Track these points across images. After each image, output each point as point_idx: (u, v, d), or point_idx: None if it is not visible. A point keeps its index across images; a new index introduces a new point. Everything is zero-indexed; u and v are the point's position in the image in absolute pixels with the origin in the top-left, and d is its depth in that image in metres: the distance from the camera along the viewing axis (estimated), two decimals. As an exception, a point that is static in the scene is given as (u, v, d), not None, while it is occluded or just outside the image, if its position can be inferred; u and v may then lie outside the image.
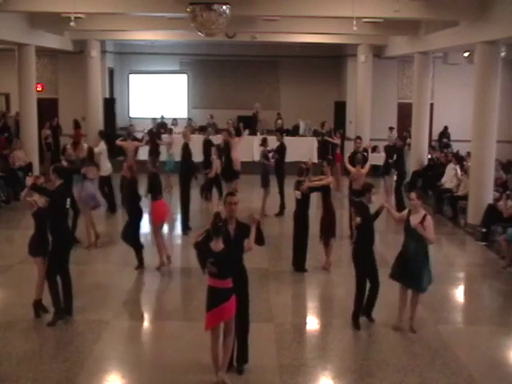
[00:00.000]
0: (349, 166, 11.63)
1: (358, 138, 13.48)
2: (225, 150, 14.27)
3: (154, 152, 15.84)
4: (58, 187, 7.72)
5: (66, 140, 18.04)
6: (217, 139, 15.11)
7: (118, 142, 15.11)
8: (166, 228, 11.46)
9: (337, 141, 17.27)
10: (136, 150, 14.66)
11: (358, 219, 7.52)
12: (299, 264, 9.93)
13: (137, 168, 13.90)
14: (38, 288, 7.75)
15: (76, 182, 11.08)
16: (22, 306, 7.94)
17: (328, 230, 9.99)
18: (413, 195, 7.49)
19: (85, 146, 12.68)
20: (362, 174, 11.31)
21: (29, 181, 7.75)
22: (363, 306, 7.79)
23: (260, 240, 6.33)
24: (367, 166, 11.50)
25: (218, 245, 5.91)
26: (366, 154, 12.35)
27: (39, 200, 7.57)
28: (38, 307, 7.77)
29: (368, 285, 7.72)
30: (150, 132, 17.21)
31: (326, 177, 10.05)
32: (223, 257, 5.89)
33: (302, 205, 9.84)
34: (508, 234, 10.34)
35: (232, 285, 5.95)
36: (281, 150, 14.24)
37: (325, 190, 9.97)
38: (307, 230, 9.93)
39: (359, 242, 7.65)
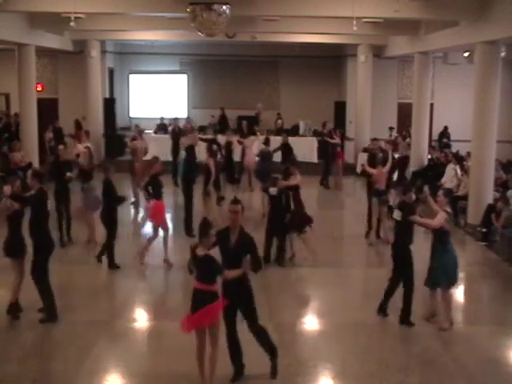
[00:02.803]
0: (369, 169, 11.61)
1: (375, 139, 13.36)
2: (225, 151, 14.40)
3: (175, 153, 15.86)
4: (36, 191, 7.75)
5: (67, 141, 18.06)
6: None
7: (129, 143, 15.09)
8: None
9: (336, 140, 17.31)
10: (145, 149, 14.63)
11: (397, 213, 7.75)
12: (279, 259, 10.05)
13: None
14: (15, 290, 7.70)
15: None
16: (22, 305, 7.93)
17: (300, 224, 10.05)
18: (440, 193, 8.05)
19: (80, 146, 12.69)
20: (384, 174, 11.38)
21: (7, 190, 7.82)
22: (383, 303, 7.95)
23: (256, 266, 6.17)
24: (388, 166, 11.56)
25: (199, 250, 5.83)
26: (386, 153, 12.34)
27: (15, 204, 7.61)
28: (15, 310, 7.69)
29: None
30: (173, 132, 17.14)
31: (294, 177, 10.23)
32: (201, 262, 5.79)
33: (278, 202, 10.01)
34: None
35: (216, 289, 5.83)
36: (285, 150, 14.13)
37: (295, 189, 10.18)
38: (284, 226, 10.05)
39: (398, 241, 7.79)
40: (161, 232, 10.13)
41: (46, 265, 7.64)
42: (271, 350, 6.34)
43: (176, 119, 18.36)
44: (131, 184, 14.53)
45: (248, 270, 5.99)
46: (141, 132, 15.57)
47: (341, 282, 9.60)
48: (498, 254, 11.06)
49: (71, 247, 10.86)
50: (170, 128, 18.68)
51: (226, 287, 5.99)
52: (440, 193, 8.02)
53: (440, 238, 7.69)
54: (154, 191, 9.93)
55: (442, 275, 7.66)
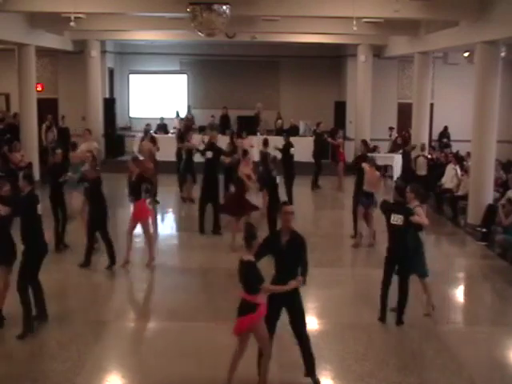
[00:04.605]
0: (365, 165, 11.39)
1: (362, 141, 13.32)
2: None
3: (178, 156, 15.61)
4: (26, 194, 7.52)
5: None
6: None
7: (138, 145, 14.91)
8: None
9: (339, 141, 17.30)
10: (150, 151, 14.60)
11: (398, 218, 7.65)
12: None
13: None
14: (0, 297, 7.45)
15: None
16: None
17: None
18: (408, 189, 8.02)
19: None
20: (377, 176, 11.21)
21: None
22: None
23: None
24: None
25: (245, 255, 5.72)
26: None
27: (2, 208, 7.27)
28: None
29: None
30: (179, 133, 16.74)
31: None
32: (242, 268, 5.67)
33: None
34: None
35: (256, 301, 5.68)
36: (286, 148, 14.33)
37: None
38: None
39: (403, 243, 7.68)
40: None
41: (34, 271, 7.41)
42: (311, 360, 6.19)
43: (182, 119, 18.30)
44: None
45: (299, 285, 5.85)
46: (146, 132, 15.50)
47: (341, 281, 9.59)
48: (498, 254, 11.05)
49: (71, 247, 10.84)
50: (175, 126, 18.51)
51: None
52: (408, 189, 8.00)
53: (416, 231, 7.87)
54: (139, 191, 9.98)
55: (420, 265, 7.95)
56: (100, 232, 9.82)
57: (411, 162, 14.72)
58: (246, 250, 5.73)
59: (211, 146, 12.39)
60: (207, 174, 12.03)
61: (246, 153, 12.02)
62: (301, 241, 6.00)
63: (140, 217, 9.93)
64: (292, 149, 14.58)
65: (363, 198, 11.14)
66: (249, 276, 5.67)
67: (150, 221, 10.70)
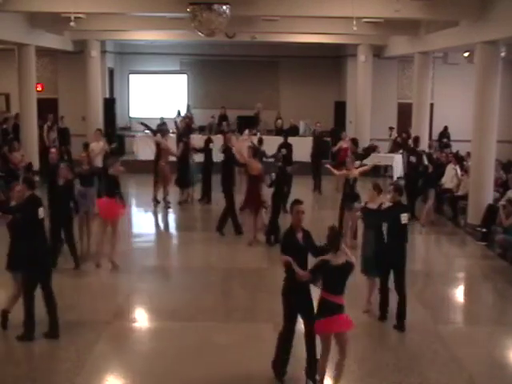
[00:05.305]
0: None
1: (352, 139, 13.29)
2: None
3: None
4: (26, 199, 7.24)
5: (74, 142, 18.10)
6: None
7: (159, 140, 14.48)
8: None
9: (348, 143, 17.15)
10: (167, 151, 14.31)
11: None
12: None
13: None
14: (12, 300, 7.42)
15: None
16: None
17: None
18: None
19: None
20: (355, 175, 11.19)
21: None
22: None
23: None
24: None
25: (340, 258, 5.74)
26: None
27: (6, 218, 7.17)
28: (5, 318, 7.44)
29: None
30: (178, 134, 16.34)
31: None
32: (345, 270, 5.75)
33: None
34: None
35: (342, 302, 5.91)
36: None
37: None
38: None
39: (401, 244, 7.71)
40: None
41: (36, 278, 7.17)
42: (314, 360, 6.24)
43: (184, 117, 18.22)
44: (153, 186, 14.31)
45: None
46: (164, 132, 15.17)
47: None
48: (498, 254, 11.04)
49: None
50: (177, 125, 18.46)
51: (299, 289, 6.07)
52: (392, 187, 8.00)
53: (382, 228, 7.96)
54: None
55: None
56: (63, 232, 9.74)
57: (422, 156, 14.14)
58: (332, 253, 5.78)
59: (226, 148, 12.60)
60: (222, 174, 12.27)
61: (255, 151, 11.87)
62: (309, 233, 6.22)
63: (107, 215, 9.84)
64: (282, 149, 14.27)
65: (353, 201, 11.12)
66: (348, 276, 5.81)
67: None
